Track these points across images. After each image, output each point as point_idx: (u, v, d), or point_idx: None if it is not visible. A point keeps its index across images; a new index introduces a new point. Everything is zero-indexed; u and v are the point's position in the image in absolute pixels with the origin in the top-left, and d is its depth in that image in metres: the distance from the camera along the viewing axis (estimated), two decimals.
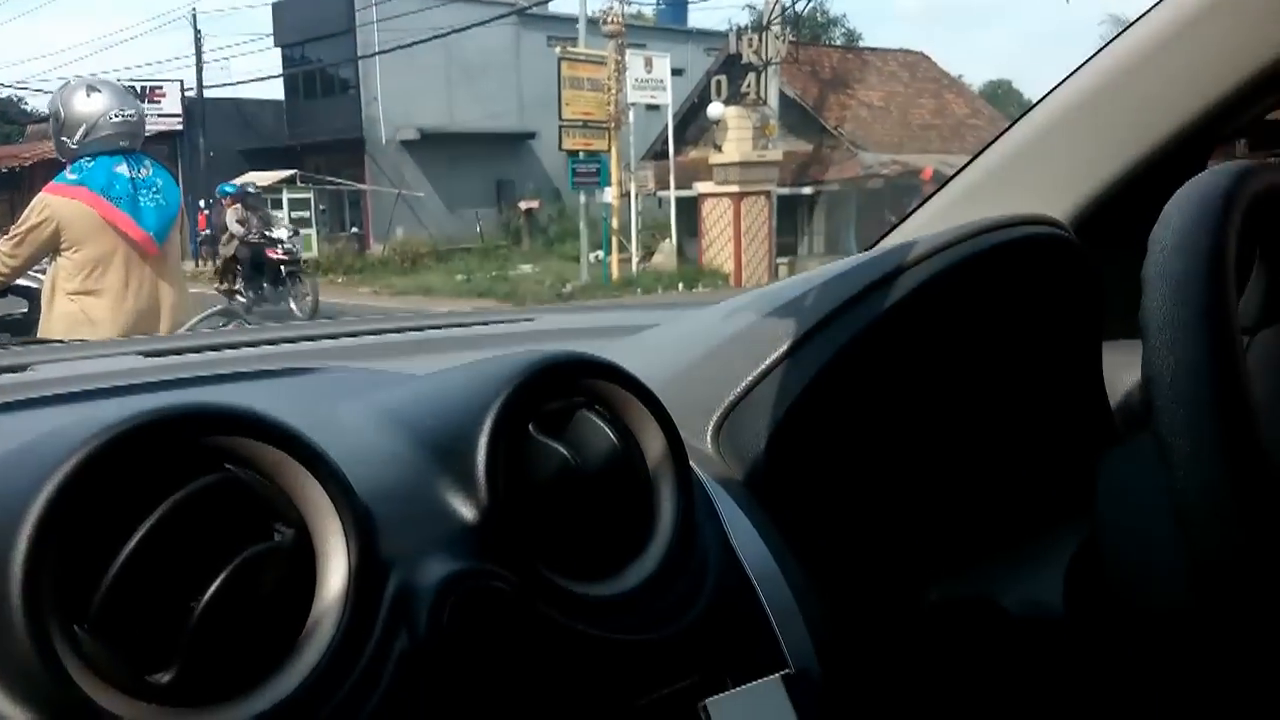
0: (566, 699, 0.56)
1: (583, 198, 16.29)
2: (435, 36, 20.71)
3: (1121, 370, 1.05)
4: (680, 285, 15.01)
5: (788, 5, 16.81)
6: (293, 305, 12.62)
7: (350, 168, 25.14)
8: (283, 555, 0.51)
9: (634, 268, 16.31)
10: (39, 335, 3.30)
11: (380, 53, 23.16)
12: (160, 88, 25.33)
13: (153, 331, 3.22)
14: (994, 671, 0.71)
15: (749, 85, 16.00)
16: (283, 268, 12.79)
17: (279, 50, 26.97)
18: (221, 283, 12.68)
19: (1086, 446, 0.91)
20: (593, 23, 16.30)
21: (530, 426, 0.62)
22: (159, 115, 24.23)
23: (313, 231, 21.89)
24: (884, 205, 15.79)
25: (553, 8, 25.36)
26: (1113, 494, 0.70)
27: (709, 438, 0.78)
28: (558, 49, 16.33)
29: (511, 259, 20.34)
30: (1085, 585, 0.70)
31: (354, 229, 25.20)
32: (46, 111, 3.70)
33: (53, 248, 3.20)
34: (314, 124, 26.07)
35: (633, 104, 16.17)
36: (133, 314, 3.26)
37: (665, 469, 0.65)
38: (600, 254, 16.58)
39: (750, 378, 0.79)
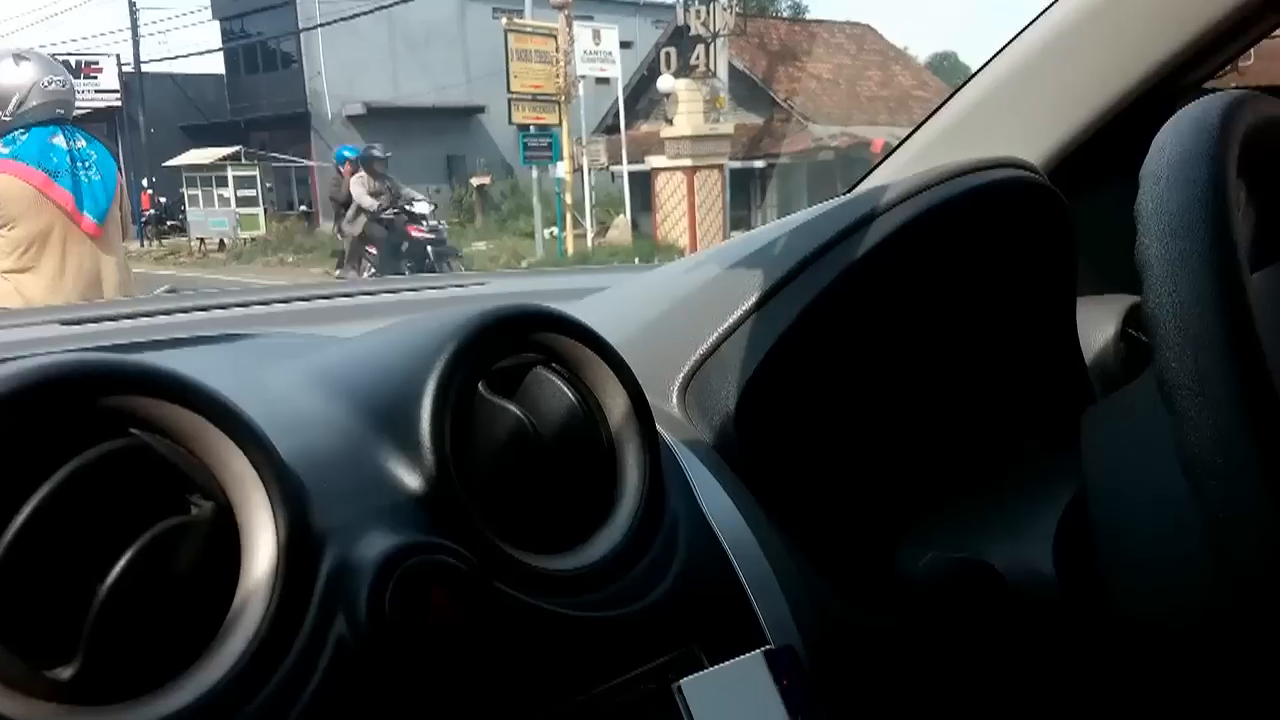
0: (527, 684, 0.51)
1: (535, 173, 16.12)
2: (378, 8, 20.33)
3: (1093, 327, 1.02)
4: (636, 260, 14.95)
5: None
6: None
7: (296, 144, 24.68)
8: (200, 531, 0.45)
9: (589, 243, 16.19)
10: None
11: (321, 25, 22.69)
12: (96, 62, 24.63)
13: None
14: (985, 639, 0.66)
15: (698, 57, 15.90)
16: (430, 249, 10.19)
17: (217, 23, 26.33)
18: (348, 270, 10.38)
19: (1065, 402, 0.88)
20: None
21: (480, 386, 0.56)
22: (95, 91, 23.60)
23: (260, 210, 21.46)
24: (835, 177, 15.81)
25: None
26: (1101, 449, 0.66)
27: (675, 398, 0.73)
28: (503, 20, 16.09)
29: (465, 236, 20.08)
30: (1075, 547, 0.66)
31: (303, 206, 24.74)
32: None
33: None
34: (257, 99, 25.54)
35: (582, 77, 15.99)
36: (71, 294, 3.13)
37: (629, 430, 0.60)
38: (555, 230, 16.44)
39: (717, 333, 0.74)
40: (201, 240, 21.24)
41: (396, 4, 20.13)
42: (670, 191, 16.05)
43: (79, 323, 0.94)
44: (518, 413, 0.56)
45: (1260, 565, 0.48)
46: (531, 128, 15.52)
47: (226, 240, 20.90)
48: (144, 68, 25.45)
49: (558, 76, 15.46)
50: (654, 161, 16.20)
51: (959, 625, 0.66)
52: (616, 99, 17.30)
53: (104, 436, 0.44)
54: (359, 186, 10.31)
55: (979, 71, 1.10)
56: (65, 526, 0.42)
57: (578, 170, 16.39)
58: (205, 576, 0.45)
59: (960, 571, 0.64)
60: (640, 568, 0.57)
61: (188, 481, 0.46)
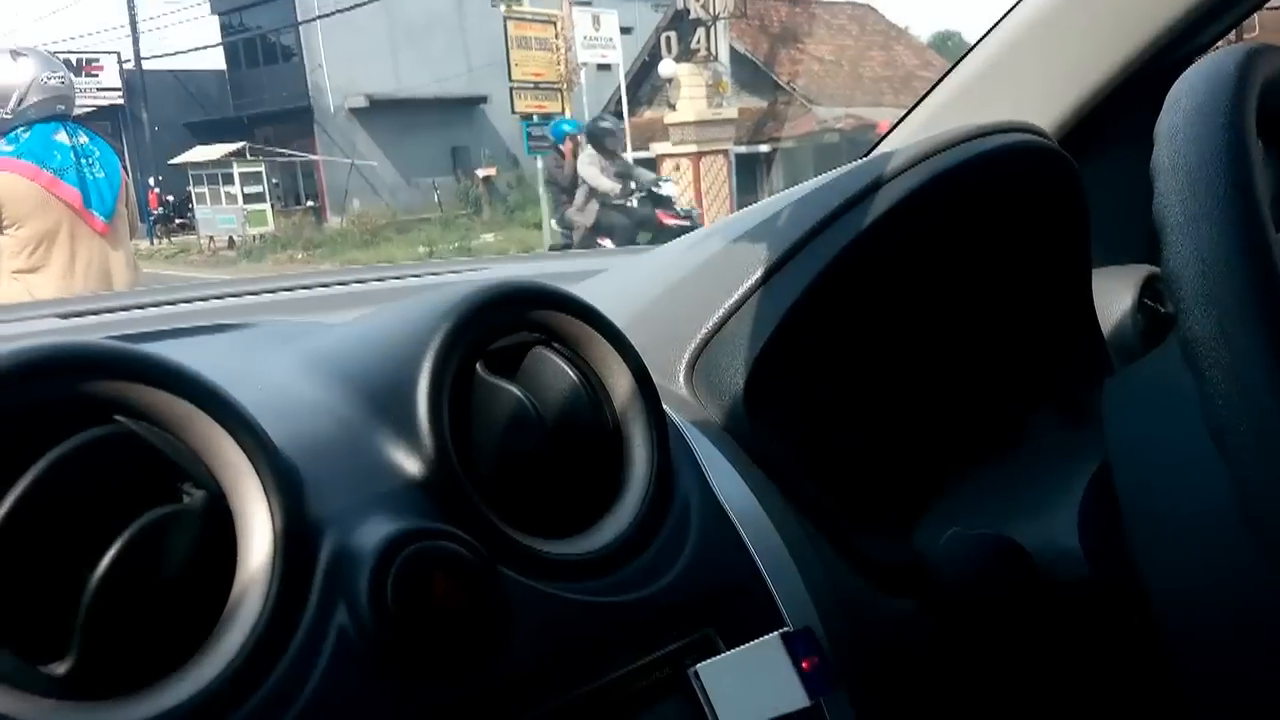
0: (536, 671, 0.49)
1: (540, 162, 16.08)
2: None
3: (1110, 298, 1.00)
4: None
5: None
6: None
7: (300, 138, 24.66)
8: (193, 520, 0.43)
9: None
10: None
11: (320, 17, 22.64)
12: (96, 60, 24.63)
13: None
14: (1010, 619, 0.65)
15: (699, 41, 15.81)
16: None
17: (216, 18, 26.28)
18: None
19: (1083, 374, 0.86)
20: None
21: (478, 366, 0.55)
22: (98, 89, 23.61)
23: (267, 206, 21.46)
24: (841, 159, 15.67)
25: None
26: (1124, 419, 0.64)
27: (681, 377, 0.71)
28: (502, 7, 16.02)
29: (473, 229, 20.05)
30: (1101, 521, 0.64)
31: (310, 201, 24.74)
32: None
33: None
34: (259, 94, 25.52)
35: (584, 64, 15.92)
36: (81, 292, 3.12)
37: (635, 409, 0.58)
38: None
39: (723, 310, 0.72)
40: (211, 238, 21.25)
41: None
42: (676, 178, 15.99)
43: (77, 315, 0.93)
44: (518, 393, 0.54)
45: None
46: (535, 117, 15.47)
47: (236, 237, 20.91)
48: (145, 65, 25.42)
49: (559, 64, 15.40)
50: (658, 148, 16.13)
51: (983, 605, 0.64)
52: (619, 85, 17.22)
53: (89, 425, 0.42)
54: (591, 167, 8.51)
55: (985, 36, 1.08)
56: (51, 517, 0.40)
57: None
58: (201, 567, 0.44)
59: (983, 549, 0.62)
60: (651, 551, 0.55)
61: (179, 470, 0.44)
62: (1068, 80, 1.02)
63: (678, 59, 15.81)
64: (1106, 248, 0.97)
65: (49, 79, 3.11)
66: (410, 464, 0.51)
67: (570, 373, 0.56)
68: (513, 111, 15.76)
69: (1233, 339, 0.46)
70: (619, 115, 17.10)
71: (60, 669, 0.40)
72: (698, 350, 0.71)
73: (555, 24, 15.40)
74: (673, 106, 15.68)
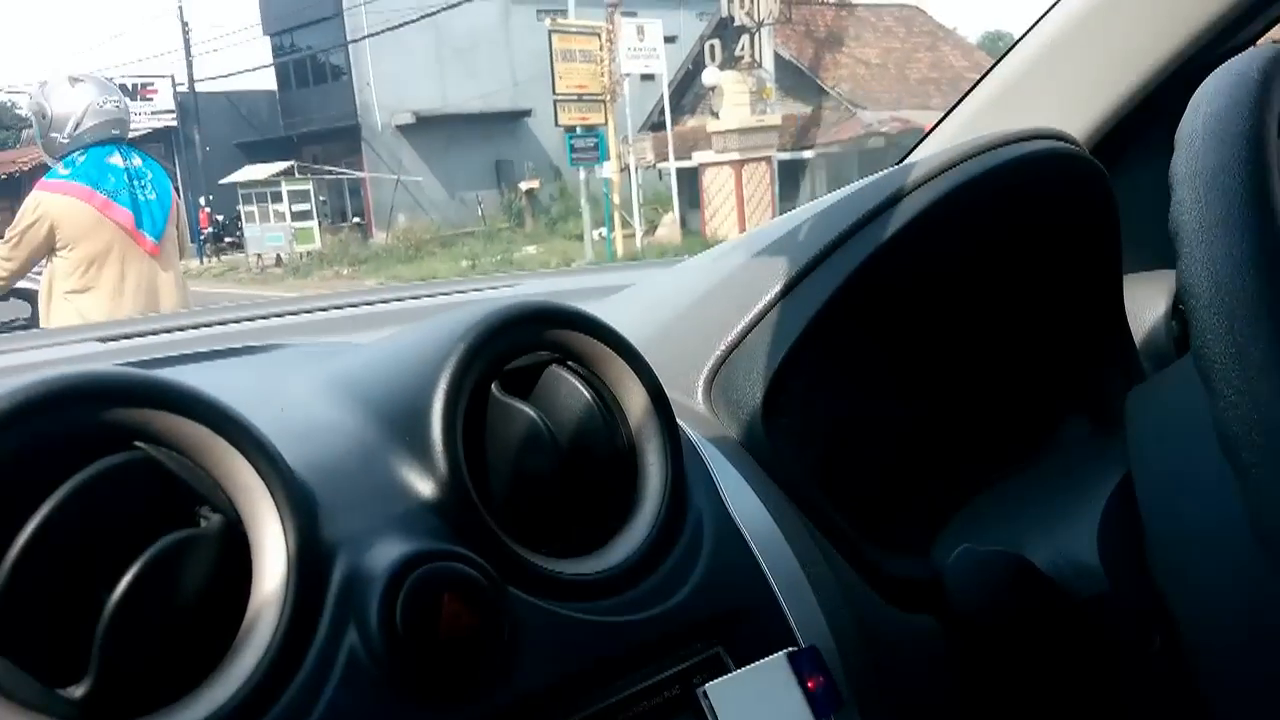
0: (546, 692, 0.50)
1: (582, 174, 16.15)
2: (423, 16, 20.53)
3: (1143, 306, 0.98)
4: (685, 258, 14.86)
5: None
6: None
7: (347, 156, 25.02)
8: (209, 544, 0.44)
9: (638, 243, 16.18)
10: None
11: (369, 36, 22.99)
12: (151, 84, 25.22)
13: None
14: (1023, 636, 0.64)
15: (743, 48, 15.80)
16: None
17: (268, 39, 26.77)
18: None
19: (1114, 383, 0.84)
20: None
21: (493, 387, 0.55)
22: (152, 112, 24.17)
23: (314, 223, 21.79)
24: (886, 163, 15.54)
25: None
26: (1146, 430, 0.63)
27: (700, 394, 0.71)
28: (547, 21, 16.14)
29: (515, 241, 20.20)
30: (1121, 535, 0.63)
31: (356, 218, 25.10)
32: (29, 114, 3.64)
33: (49, 247, 3.13)
34: (308, 113, 25.93)
35: (627, 74, 15.98)
36: (130, 313, 3.19)
37: (650, 428, 0.58)
38: (604, 231, 16.45)
39: (742, 325, 0.72)
40: (259, 256, 21.62)
41: (442, 10, 20.30)
42: (718, 187, 15.98)
43: (115, 339, 0.95)
44: (532, 413, 0.54)
45: None
46: (578, 129, 15.55)
47: (283, 255, 21.24)
48: (198, 87, 26.00)
49: (602, 75, 15.47)
50: (701, 157, 16.14)
51: (994, 622, 0.63)
52: (662, 95, 17.26)
53: (109, 451, 0.43)
54: None
55: (1021, 40, 1.07)
56: (71, 543, 0.42)
57: (625, 169, 16.40)
58: (216, 590, 0.45)
59: (992, 566, 0.62)
60: (663, 570, 0.55)
61: (196, 494, 0.45)
62: (1105, 84, 1.00)
63: (722, 66, 15.81)
64: (1142, 255, 0.95)
65: (104, 104, 3.20)
66: (424, 485, 0.51)
67: (585, 392, 0.57)
68: (556, 124, 15.86)
69: (1244, 351, 0.45)
70: (661, 125, 17.16)
71: (78, 692, 0.41)
72: (716, 366, 0.71)
73: (599, 36, 15.48)
74: (716, 114, 15.67)
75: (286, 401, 0.59)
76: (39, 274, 3.32)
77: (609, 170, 16.04)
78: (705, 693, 0.51)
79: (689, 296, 0.79)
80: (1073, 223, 0.82)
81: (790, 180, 17.58)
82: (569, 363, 0.58)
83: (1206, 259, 0.47)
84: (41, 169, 3.32)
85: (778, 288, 0.72)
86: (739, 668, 0.53)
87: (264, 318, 1.05)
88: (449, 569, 0.47)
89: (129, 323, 1.05)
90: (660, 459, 0.58)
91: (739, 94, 15.43)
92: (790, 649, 0.51)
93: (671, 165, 17.09)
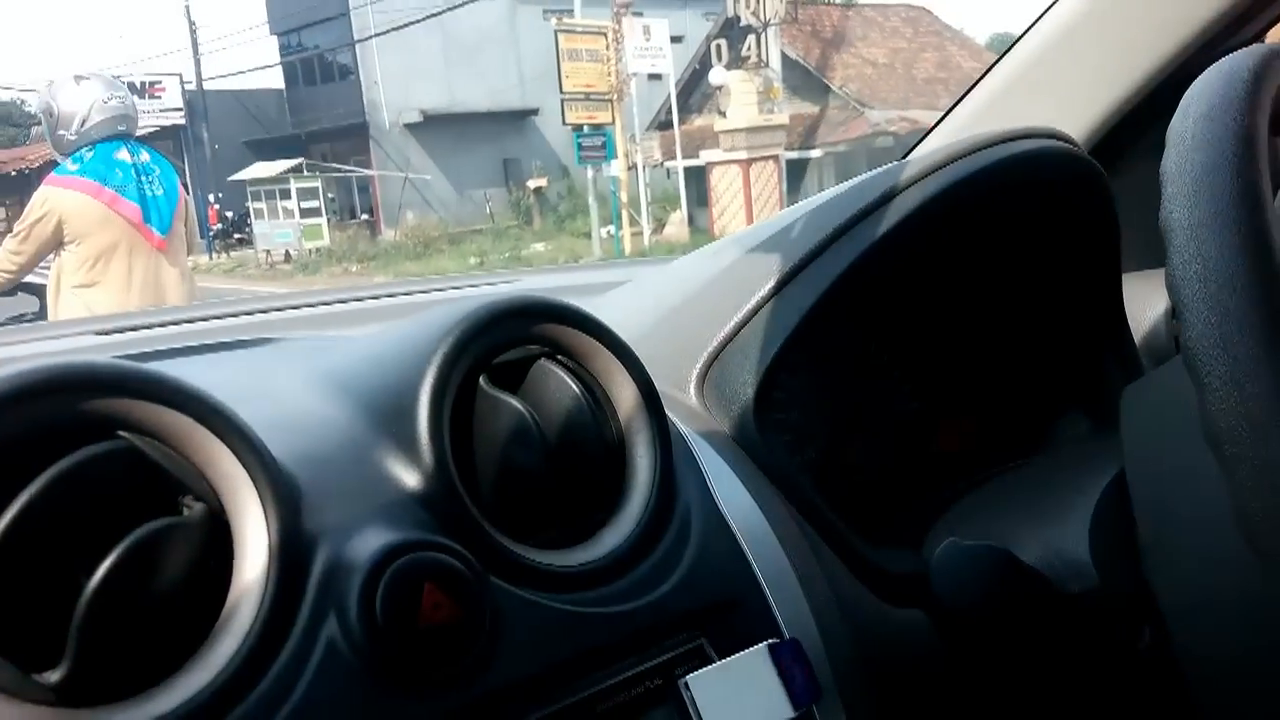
0: (527, 682, 0.50)
1: (590, 172, 16.17)
2: (431, 15, 20.55)
3: (1143, 304, 0.98)
4: None
5: None
6: None
7: (356, 154, 25.07)
8: (191, 533, 0.44)
9: (646, 241, 16.19)
10: None
11: (376, 35, 23.01)
12: (159, 82, 25.28)
13: None
14: (1008, 630, 0.63)
15: (750, 48, 15.79)
16: None
17: (275, 38, 26.83)
18: None
19: (1113, 381, 0.84)
20: None
21: (481, 380, 0.55)
22: (160, 110, 24.23)
23: (322, 220, 21.83)
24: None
25: None
26: (1140, 428, 0.63)
27: (693, 389, 0.71)
28: (554, 21, 16.14)
29: (524, 239, 20.21)
30: (1113, 532, 0.63)
31: (364, 215, 25.14)
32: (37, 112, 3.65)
33: (57, 242, 3.15)
34: (316, 111, 25.98)
35: (634, 74, 15.98)
36: (136, 307, 3.20)
37: (639, 422, 0.58)
38: (611, 229, 16.47)
39: (734, 321, 0.72)
40: (268, 252, 21.67)
41: (449, 10, 20.33)
42: (726, 185, 15.97)
43: (112, 332, 0.95)
44: (519, 406, 0.54)
45: None
46: (585, 127, 15.57)
47: (292, 251, 21.29)
48: (206, 85, 26.04)
49: (609, 74, 15.48)
50: (708, 155, 16.14)
51: (979, 615, 0.63)
52: (669, 94, 17.26)
53: (92, 441, 0.44)
54: None
55: (1021, 38, 1.07)
56: (50, 530, 0.42)
57: (632, 168, 16.41)
58: (197, 579, 0.45)
59: (976, 560, 0.61)
60: (649, 562, 0.56)
61: (179, 484, 0.45)
62: (1105, 84, 1.00)
63: (728, 66, 15.80)
64: (1144, 254, 0.95)
65: (110, 100, 3.21)
66: (409, 477, 0.51)
67: (573, 385, 0.57)
68: (564, 123, 15.88)
69: (1232, 348, 0.45)
70: (669, 124, 17.17)
71: (54, 677, 0.41)
72: (709, 361, 0.71)
73: (606, 35, 15.49)
74: (723, 114, 15.66)
75: (275, 393, 0.59)
76: (47, 268, 3.34)
77: (616, 168, 16.05)
78: (686, 684, 0.51)
79: (683, 292, 0.79)
80: (1069, 220, 0.82)
81: (797, 179, 17.57)
82: (558, 357, 0.58)
83: (1195, 255, 0.47)
84: (50, 166, 3.33)
85: (771, 284, 0.72)
86: (722, 659, 0.53)
87: (262, 312, 1.05)
88: (430, 559, 0.47)
89: (127, 316, 1.05)
90: (649, 452, 0.58)
91: (746, 93, 15.42)
92: (771, 640, 0.51)
93: (679, 164, 17.10)
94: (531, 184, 22.89)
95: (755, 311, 0.71)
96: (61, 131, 3.20)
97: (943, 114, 1.15)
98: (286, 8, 25.40)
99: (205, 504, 0.45)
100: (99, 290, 3.17)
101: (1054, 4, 1.04)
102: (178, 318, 1.04)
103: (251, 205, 22.36)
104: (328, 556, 0.47)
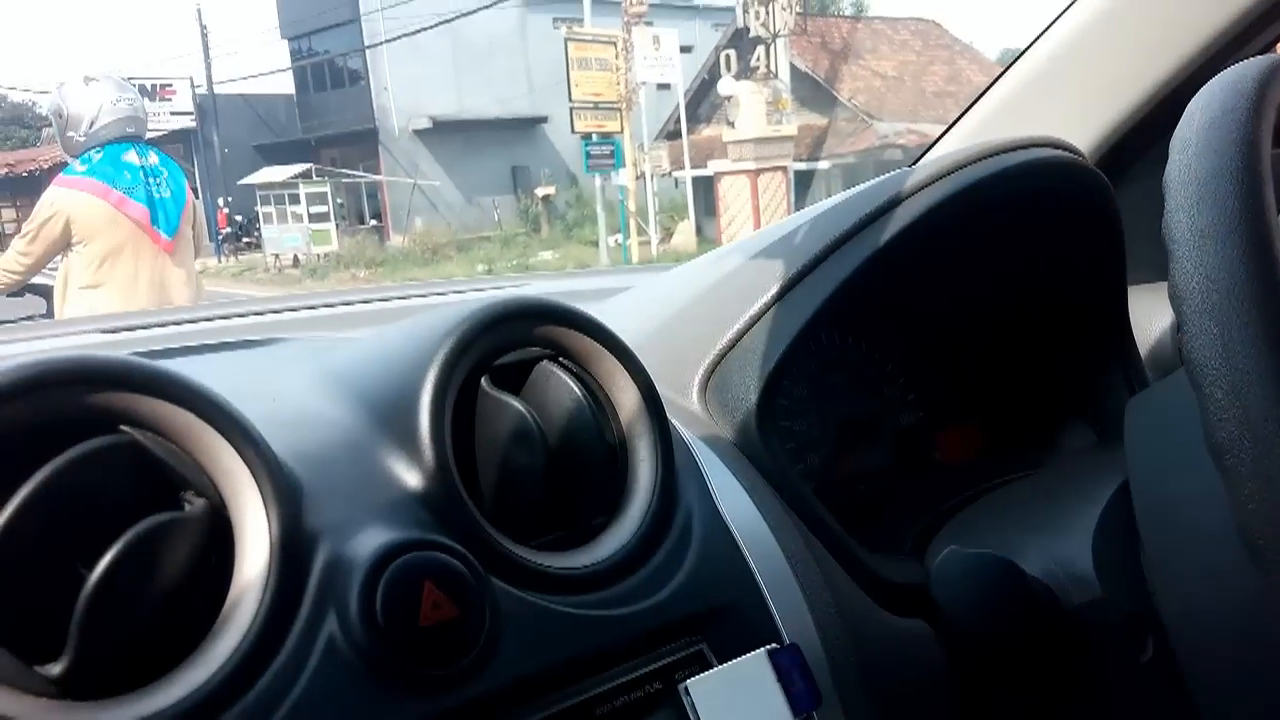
0: (525, 684, 0.49)
1: (598, 181, 16.19)
2: (441, 22, 20.62)
3: (1149, 316, 0.98)
4: None
5: None
6: None
7: (365, 159, 25.12)
8: (192, 528, 0.45)
9: (653, 250, 16.20)
10: None
11: (387, 41, 23.09)
12: (170, 85, 25.37)
13: None
14: (1014, 642, 0.63)
15: (759, 59, 15.80)
16: None
17: (286, 43, 26.92)
18: None
19: (1118, 392, 0.84)
20: (603, 4, 16.15)
21: (483, 381, 0.55)
22: (171, 113, 24.32)
23: (331, 225, 21.88)
24: None
25: None
26: (1143, 439, 0.63)
27: (695, 394, 0.71)
28: (564, 29, 16.19)
29: (531, 246, 20.23)
30: (1116, 543, 0.62)
31: (373, 221, 25.18)
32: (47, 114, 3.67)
33: (65, 243, 3.16)
34: (326, 116, 26.06)
35: (643, 83, 16.01)
36: (142, 308, 3.21)
37: (641, 425, 0.58)
38: (619, 237, 16.48)
39: (738, 326, 0.72)
40: (276, 256, 21.71)
41: (460, 17, 20.40)
42: (734, 195, 15.97)
43: (119, 331, 0.96)
44: (520, 408, 0.54)
45: None
46: (594, 136, 15.59)
47: (300, 256, 21.33)
48: (216, 89, 26.13)
49: (618, 83, 15.51)
50: (717, 165, 16.14)
51: (979, 624, 0.63)
52: (678, 104, 17.29)
53: (95, 435, 0.44)
54: None
55: (1029, 48, 1.07)
56: (52, 523, 0.42)
57: (641, 177, 16.42)
58: (198, 574, 0.45)
59: (977, 567, 0.61)
60: (650, 566, 0.55)
61: (181, 479, 0.45)
62: (1112, 96, 1.00)
63: (737, 77, 15.82)
64: (1151, 266, 0.95)
65: (119, 102, 3.22)
66: (410, 476, 0.51)
67: (575, 388, 0.57)
68: (573, 131, 15.90)
69: (1234, 358, 0.45)
70: (677, 133, 17.19)
71: (55, 670, 0.41)
72: (711, 366, 0.71)
73: (615, 44, 15.52)
74: (732, 124, 15.67)
75: (278, 392, 0.59)
76: (54, 270, 3.35)
77: (625, 177, 16.07)
78: (686, 689, 0.51)
79: (686, 298, 0.79)
80: (1074, 230, 0.82)
81: (805, 190, 17.57)
82: (561, 359, 0.58)
83: (1198, 265, 0.47)
84: (60, 167, 3.35)
85: (775, 290, 0.72)
86: (722, 664, 0.53)
87: (269, 313, 1.05)
88: (431, 559, 0.47)
89: (134, 315, 1.06)
90: (651, 456, 0.58)
91: (755, 104, 15.43)
92: (771, 646, 0.50)
93: (687, 173, 17.11)
94: (540, 192, 22.92)
95: (759, 317, 0.71)
96: (70, 133, 3.22)
97: (949, 124, 1.15)
98: (298, 12, 25.47)
99: (207, 500, 0.46)
100: (105, 291, 3.18)
101: (1061, 15, 1.04)
102: (184, 317, 1.04)
103: (260, 209, 22.41)
104: (328, 554, 0.47)
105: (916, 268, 0.77)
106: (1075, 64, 1.01)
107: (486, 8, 20.93)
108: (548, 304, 0.57)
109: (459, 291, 1.16)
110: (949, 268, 0.80)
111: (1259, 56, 0.56)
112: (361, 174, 24.73)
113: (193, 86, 25.80)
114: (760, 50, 15.84)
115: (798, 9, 17.03)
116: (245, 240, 24.15)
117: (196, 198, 3.50)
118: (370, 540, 0.47)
